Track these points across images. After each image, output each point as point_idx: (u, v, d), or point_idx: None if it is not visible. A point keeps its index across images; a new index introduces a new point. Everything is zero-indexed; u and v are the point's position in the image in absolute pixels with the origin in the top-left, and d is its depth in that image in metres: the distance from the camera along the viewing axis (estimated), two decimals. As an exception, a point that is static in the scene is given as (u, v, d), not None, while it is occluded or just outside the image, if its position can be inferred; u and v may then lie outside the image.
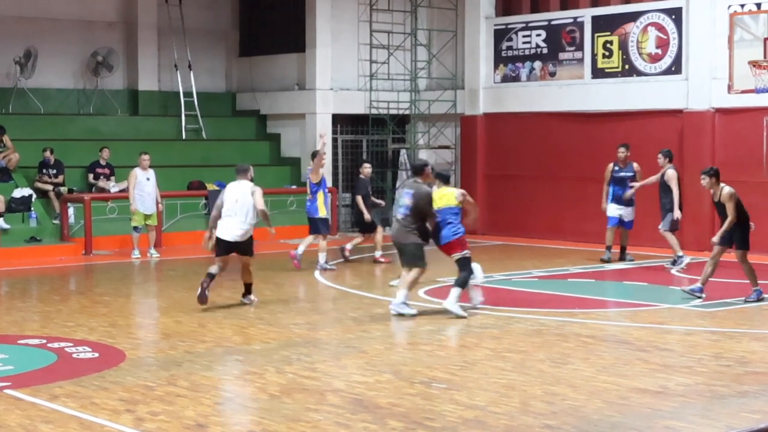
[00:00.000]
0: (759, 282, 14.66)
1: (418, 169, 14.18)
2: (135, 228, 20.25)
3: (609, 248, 19.06)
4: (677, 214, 18.02)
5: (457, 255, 13.74)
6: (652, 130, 21.75)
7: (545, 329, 12.78)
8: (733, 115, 20.69)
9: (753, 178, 20.32)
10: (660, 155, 18.47)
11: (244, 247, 14.47)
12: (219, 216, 14.41)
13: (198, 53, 26.32)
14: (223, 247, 14.41)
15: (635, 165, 19.10)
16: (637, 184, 18.85)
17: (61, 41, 24.78)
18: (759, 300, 14.48)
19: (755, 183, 20.30)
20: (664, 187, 18.22)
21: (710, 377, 10.26)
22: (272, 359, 11.05)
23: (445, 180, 14.17)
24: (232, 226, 14.30)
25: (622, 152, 19.14)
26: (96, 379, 10.11)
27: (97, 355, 11.29)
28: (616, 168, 19.11)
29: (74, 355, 11.24)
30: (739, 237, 14.53)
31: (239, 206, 14.26)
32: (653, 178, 18.54)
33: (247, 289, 14.81)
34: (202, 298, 14.15)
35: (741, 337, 12.29)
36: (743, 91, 20.40)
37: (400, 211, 13.90)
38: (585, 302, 15.04)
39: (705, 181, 14.75)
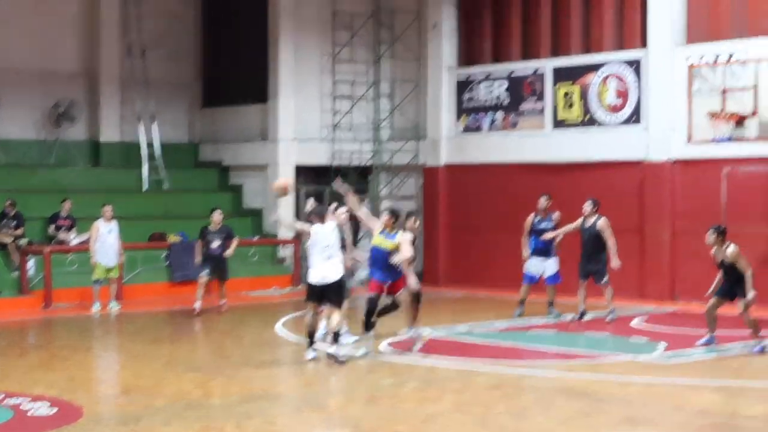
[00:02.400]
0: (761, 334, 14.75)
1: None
2: (96, 281, 20.10)
3: (522, 303, 18.59)
4: (616, 263, 17.58)
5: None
6: (612, 180, 21.90)
7: (506, 382, 12.76)
8: (692, 165, 20.87)
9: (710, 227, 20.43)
10: (589, 203, 17.98)
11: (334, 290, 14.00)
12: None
13: (161, 104, 26.30)
14: (315, 293, 14.04)
15: (555, 215, 18.56)
16: (558, 232, 18.26)
17: (22, 92, 24.68)
18: (764, 352, 14.53)
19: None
20: (594, 238, 17.75)
21: (671, 429, 10.27)
22: (233, 413, 10.97)
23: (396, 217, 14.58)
24: (324, 270, 13.97)
25: (542, 202, 18.55)
26: (53, 436, 9.99)
27: (55, 410, 11.15)
28: (537, 219, 18.57)
29: (31, 412, 11.08)
30: (742, 289, 14.57)
31: (333, 249, 14.02)
32: (572, 226, 18.11)
33: (335, 337, 14.04)
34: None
35: (701, 389, 12.32)
36: (701, 142, 20.61)
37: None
38: (546, 354, 15.03)
39: (711, 237, 14.77)
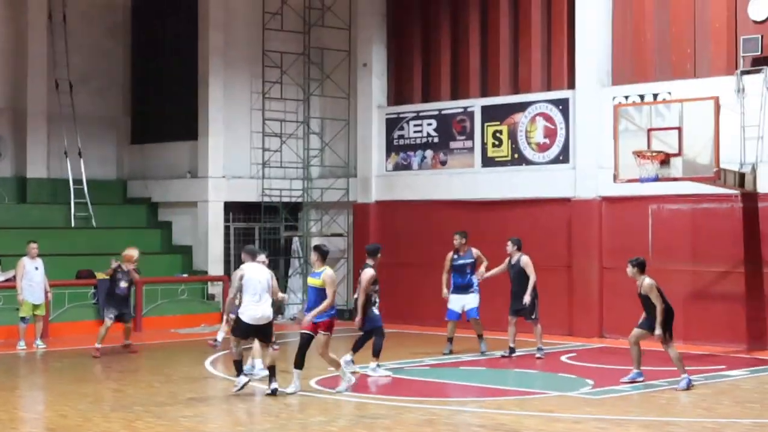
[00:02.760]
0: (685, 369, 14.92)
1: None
2: (23, 318, 19.79)
3: (450, 340, 18.75)
4: (527, 299, 17.86)
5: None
6: (540, 217, 22.11)
7: (436, 419, 12.76)
8: (620, 203, 21.13)
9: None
10: (510, 243, 18.45)
11: (266, 330, 14.55)
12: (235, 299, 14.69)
13: (88, 140, 26.07)
14: (246, 330, 14.43)
15: (474, 251, 18.76)
16: (487, 274, 18.57)
17: (-53, 127, 24.39)
18: (688, 388, 14.68)
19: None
20: (519, 275, 18.13)
21: (599, 466, 10.32)
22: (160, 454, 10.84)
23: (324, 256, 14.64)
24: (258, 309, 14.35)
25: (457, 239, 18.80)
26: (-25, 478, 9.80)
27: (-23, 452, 10.96)
28: (455, 256, 18.78)
29: (-47, 453, 10.89)
30: (663, 325, 14.76)
31: (262, 289, 14.40)
32: (500, 268, 18.51)
33: (272, 372, 14.38)
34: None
35: (629, 425, 12.41)
36: (629, 180, 20.79)
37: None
38: (477, 390, 15.07)
39: (629, 270, 15.11)
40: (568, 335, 21.16)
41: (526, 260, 18.17)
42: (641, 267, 15.09)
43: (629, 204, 20.97)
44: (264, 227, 26.01)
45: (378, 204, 24.96)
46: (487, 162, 23.15)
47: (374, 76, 24.97)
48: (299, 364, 14.56)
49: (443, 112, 23.98)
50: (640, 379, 15.15)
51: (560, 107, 22.08)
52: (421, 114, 24.39)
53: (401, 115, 24.72)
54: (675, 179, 18.73)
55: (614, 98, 21.13)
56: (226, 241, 25.40)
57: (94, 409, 13.49)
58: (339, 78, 25.67)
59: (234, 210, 25.73)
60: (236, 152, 25.48)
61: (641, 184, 20.53)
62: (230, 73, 25.44)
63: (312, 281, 14.67)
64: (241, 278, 14.49)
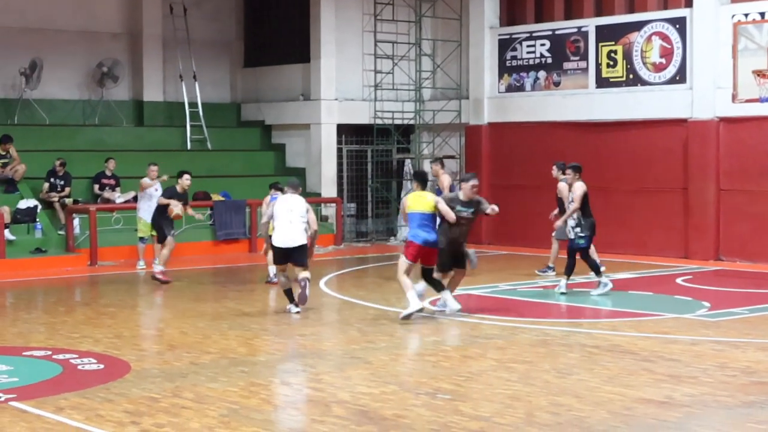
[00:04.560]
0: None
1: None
2: (141, 239, 20.24)
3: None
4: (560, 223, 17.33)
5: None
6: (656, 139, 21.77)
7: (550, 339, 12.77)
8: (738, 124, 20.70)
9: (758, 187, 20.34)
10: (555, 167, 18.62)
11: (298, 253, 14.79)
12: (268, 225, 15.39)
13: (203, 64, 26.37)
14: (279, 255, 14.90)
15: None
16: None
17: (66, 52, 24.84)
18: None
19: (760, 192, 20.31)
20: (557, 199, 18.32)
21: (715, 387, 10.24)
22: (277, 370, 11.06)
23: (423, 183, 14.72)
24: (287, 234, 14.73)
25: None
26: (101, 391, 10.11)
27: (102, 366, 11.30)
28: None
29: (79, 367, 11.24)
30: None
31: (295, 215, 14.77)
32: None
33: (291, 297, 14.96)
34: (302, 299, 14.73)
35: (746, 347, 12.27)
36: (747, 100, 20.42)
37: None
38: (590, 312, 15.03)
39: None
40: (684, 258, 20.92)
41: (565, 186, 17.87)
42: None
43: (748, 125, 20.54)
44: (376, 149, 26.08)
45: (490, 126, 24.82)
46: (602, 83, 22.81)
47: (486, -4, 24.71)
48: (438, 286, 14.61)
49: (557, 32, 23.65)
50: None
51: (677, 26, 21.59)
52: (534, 34, 24.09)
53: (513, 36, 24.45)
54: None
55: (733, 16, 20.61)
56: (339, 164, 25.56)
57: (213, 327, 13.78)
58: (451, -1, 25.46)
59: (346, 132, 25.84)
60: (348, 74, 25.52)
61: (760, 104, 20.15)
62: (342, -5, 25.43)
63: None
64: (272, 206, 15.03)
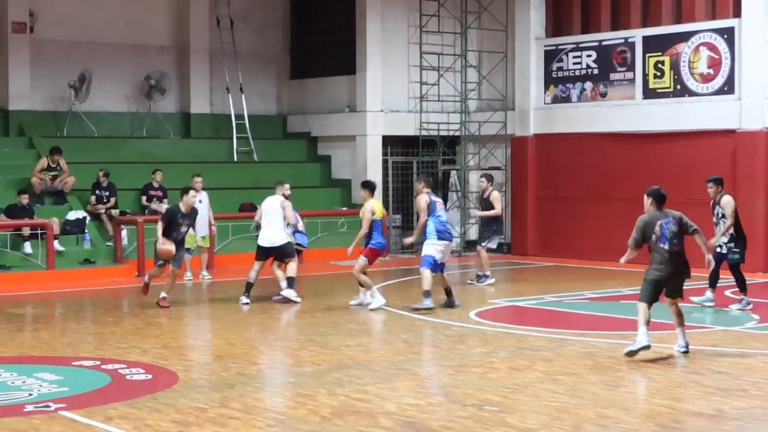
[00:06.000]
0: None
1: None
2: (188, 250, 20.33)
3: None
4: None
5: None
6: (704, 150, 21.62)
7: (597, 351, 12.70)
8: (787, 134, 20.50)
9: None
10: (484, 179, 19.53)
11: (279, 251, 16.82)
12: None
13: (249, 76, 26.52)
14: (261, 252, 16.92)
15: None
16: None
17: (114, 65, 25.08)
18: None
19: (810, 203, 20.11)
20: (489, 208, 19.08)
21: (766, 401, 10.15)
22: (324, 381, 11.07)
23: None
24: (267, 234, 16.83)
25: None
26: (149, 401, 10.17)
27: (150, 376, 11.37)
28: None
29: (128, 377, 11.32)
30: None
31: (272, 216, 16.85)
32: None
33: (289, 283, 16.75)
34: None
35: (796, 360, 12.16)
36: (797, 111, 20.23)
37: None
38: (637, 324, 14.89)
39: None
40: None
41: (496, 195, 19.19)
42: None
43: (797, 135, 20.34)
44: (422, 161, 26.09)
45: (536, 137, 24.76)
46: (649, 94, 22.69)
47: (532, 7, 24.64)
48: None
49: (603, 43, 23.55)
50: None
51: (725, 36, 21.44)
52: (580, 45, 24.01)
53: (560, 47, 24.38)
54: None
55: (783, 26, 20.44)
56: (385, 175, 25.58)
57: (260, 338, 13.84)
58: (496, 10, 25.42)
59: (392, 144, 25.88)
60: (394, 86, 25.57)
61: (810, 115, 19.96)
62: (387, 7, 25.48)
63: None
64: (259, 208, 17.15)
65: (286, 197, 17.51)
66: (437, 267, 15.85)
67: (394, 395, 10.57)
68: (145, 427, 9.24)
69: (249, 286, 16.78)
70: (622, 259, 12.31)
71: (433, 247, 15.79)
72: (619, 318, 15.48)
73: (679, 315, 12.33)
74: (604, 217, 23.11)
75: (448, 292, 16.04)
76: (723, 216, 15.76)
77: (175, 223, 16.45)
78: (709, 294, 16.01)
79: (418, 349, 12.93)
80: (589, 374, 11.35)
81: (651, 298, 12.19)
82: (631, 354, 11.98)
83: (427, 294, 15.67)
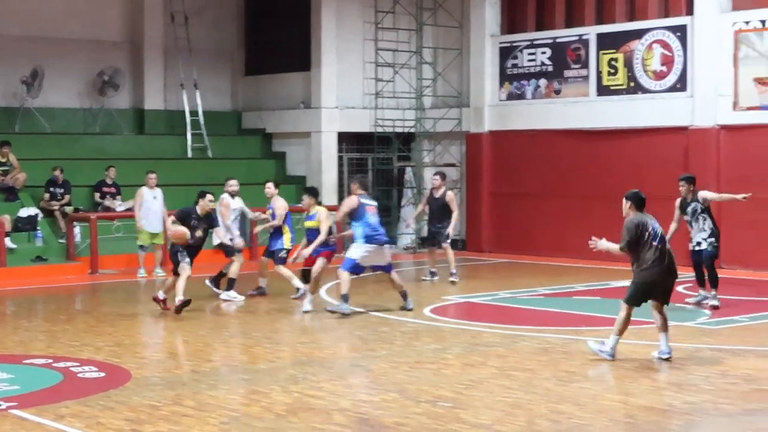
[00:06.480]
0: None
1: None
2: (141, 247, 20.27)
3: None
4: (450, 231, 18.94)
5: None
6: (657, 146, 21.77)
7: (551, 347, 12.76)
8: (739, 131, 20.70)
9: (758, 194, 20.26)
10: (438, 177, 19.27)
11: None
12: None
13: (204, 72, 26.38)
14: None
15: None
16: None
17: (67, 61, 24.86)
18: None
19: (761, 199, 20.27)
20: (444, 209, 18.88)
21: (716, 395, 10.23)
22: (278, 378, 11.05)
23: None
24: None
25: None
26: (102, 399, 10.10)
27: (103, 374, 11.29)
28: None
29: (80, 375, 11.24)
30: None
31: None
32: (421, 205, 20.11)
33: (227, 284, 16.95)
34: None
35: (746, 355, 12.28)
36: (748, 108, 20.43)
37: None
38: (591, 320, 15.01)
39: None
40: (683, 266, 20.83)
41: (451, 195, 18.95)
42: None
43: (749, 132, 20.55)
44: (377, 157, 26.08)
45: (491, 134, 24.83)
46: (603, 91, 22.81)
47: (487, 4, 24.71)
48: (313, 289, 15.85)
49: (558, 40, 23.66)
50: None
51: (678, 34, 21.61)
52: (535, 42, 24.10)
53: (515, 44, 24.46)
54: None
55: (734, 24, 20.63)
56: (340, 171, 25.56)
57: (214, 335, 13.78)
58: (451, 7, 25.48)
59: (347, 140, 25.85)
60: (349, 83, 25.55)
61: (761, 112, 20.16)
62: (343, 3, 25.44)
63: (309, 224, 16.13)
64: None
65: (232, 194, 17.60)
66: (358, 270, 15.34)
67: (348, 392, 10.57)
68: (98, 425, 9.17)
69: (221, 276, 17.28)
70: (599, 244, 12.05)
71: (357, 250, 15.20)
72: (573, 314, 15.57)
73: (664, 320, 11.92)
74: (558, 213, 23.24)
75: (404, 295, 15.64)
76: (702, 212, 15.64)
77: (188, 225, 15.67)
78: (703, 293, 15.86)
79: (373, 346, 12.93)
80: (542, 370, 11.41)
81: (638, 301, 11.84)
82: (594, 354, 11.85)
83: (344, 298, 15.00)
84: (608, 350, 11.75)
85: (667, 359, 11.76)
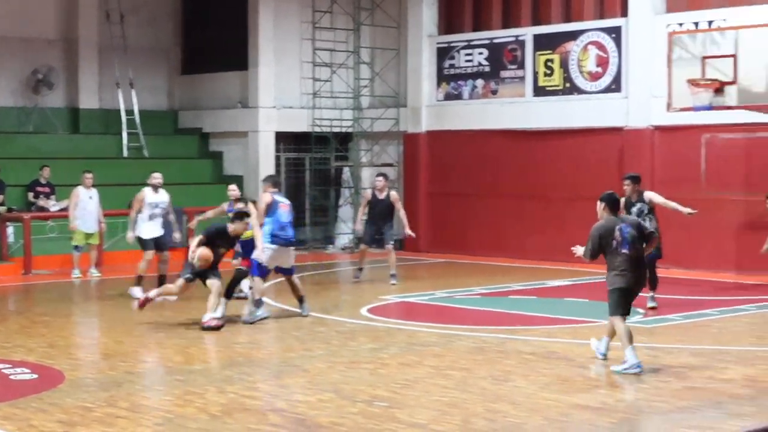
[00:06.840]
0: None
1: None
2: (76, 247, 20.06)
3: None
4: (409, 231, 19.03)
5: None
6: (592, 147, 21.96)
7: (487, 346, 12.82)
8: (672, 132, 20.93)
9: (691, 194, 20.51)
10: (382, 178, 19.10)
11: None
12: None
13: (140, 71, 26.17)
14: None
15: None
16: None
17: (0, 59, 24.53)
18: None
19: (693, 200, 20.47)
20: (388, 209, 18.82)
21: (650, 393, 10.34)
22: (213, 379, 10.99)
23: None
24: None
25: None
26: (34, 401, 9.98)
27: (35, 376, 11.16)
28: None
29: (12, 377, 11.09)
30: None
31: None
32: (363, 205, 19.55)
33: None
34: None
35: (679, 353, 12.42)
36: (682, 109, 20.60)
37: None
38: (526, 319, 15.11)
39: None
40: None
41: (396, 196, 18.99)
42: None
43: (682, 133, 20.78)
44: (314, 157, 26.04)
45: (428, 134, 24.89)
46: (539, 91, 22.98)
47: (424, 4, 24.78)
48: (228, 294, 15.00)
49: (494, 41, 23.78)
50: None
51: (613, 35, 21.82)
52: (471, 43, 24.20)
53: (452, 45, 24.55)
54: (729, 108, 18.54)
55: (668, 26, 20.83)
56: (277, 171, 25.46)
57: (149, 336, 13.68)
58: (389, 7, 25.51)
59: (284, 140, 25.78)
60: (287, 82, 25.48)
61: (695, 113, 20.36)
62: (280, 2, 25.38)
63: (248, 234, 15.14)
64: None
65: (155, 186, 17.55)
66: (264, 271, 14.85)
67: (284, 392, 10.55)
68: (30, 427, 9.06)
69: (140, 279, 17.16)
70: (576, 251, 11.83)
71: (262, 253, 14.70)
72: (509, 313, 15.66)
73: (612, 326, 11.68)
74: (494, 213, 23.35)
75: (300, 300, 15.09)
76: (647, 213, 15.46)
77: (213, 244, 14.49)
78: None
79: (310, 346, 12.92)
80: (478, 369, 11.46)
81: (624, 309, 11.49)
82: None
83: (257, 303, 14.55)
84: (632, 364, 11.19)
85: (602, 359, 11.82)
